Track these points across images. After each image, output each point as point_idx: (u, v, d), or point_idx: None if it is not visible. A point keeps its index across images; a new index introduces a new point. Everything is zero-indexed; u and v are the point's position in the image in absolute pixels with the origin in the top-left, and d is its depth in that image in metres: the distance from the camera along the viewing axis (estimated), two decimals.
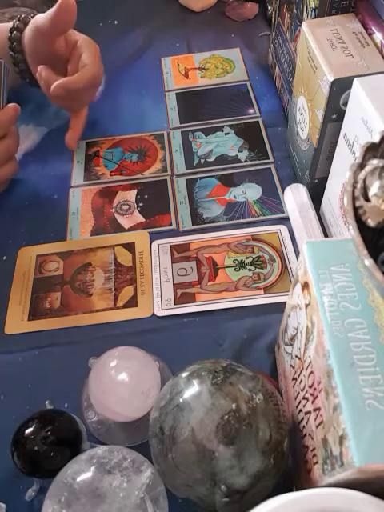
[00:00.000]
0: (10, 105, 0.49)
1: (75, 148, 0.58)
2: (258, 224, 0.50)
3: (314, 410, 0.27)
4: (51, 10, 0.50)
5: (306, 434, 0.29)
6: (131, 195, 0.54)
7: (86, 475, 0.29)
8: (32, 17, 0.54)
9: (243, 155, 0.56)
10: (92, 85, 0.54)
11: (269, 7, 0.71)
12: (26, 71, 0.56)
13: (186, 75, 0.67)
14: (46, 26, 0.51)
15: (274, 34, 0.61)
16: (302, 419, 0.30)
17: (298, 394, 0.31)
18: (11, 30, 0.54)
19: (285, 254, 0.47)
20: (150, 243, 0.49)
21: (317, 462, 0.27)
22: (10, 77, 0.51)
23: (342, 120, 0.39)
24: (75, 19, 0.51)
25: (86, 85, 0.52)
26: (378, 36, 0.41)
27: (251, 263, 0.47)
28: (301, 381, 0.30)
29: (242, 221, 0.50)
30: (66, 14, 0.50)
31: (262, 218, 0.50)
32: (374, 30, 0.41)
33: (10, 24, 0.55)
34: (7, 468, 0.35)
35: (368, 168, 0.22)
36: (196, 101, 0.63)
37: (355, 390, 0.23)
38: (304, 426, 0.30)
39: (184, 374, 0.31)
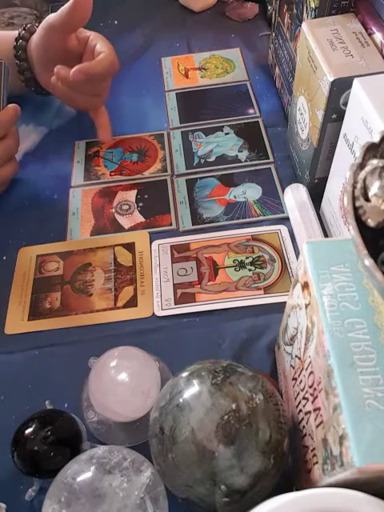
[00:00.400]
0: (10, 105, 0.49)
1: (109, 141, 0.58)
2: (257, 224, 0.50)
3: (314, 410, 0.27)
4: (66, 6, 0.50)
5: (305, 434, 0.29)
6: (131, 195, 0.54)
7: (86, 475, 0.29)
8: (37, 26, 0.55)
9: (243, 155, 0.56)
10: (109, 72, 0.53)
11: (269, 7, 0.71)
12: (31, 80, 0.57)
13: (186, 75, 0.67)
14: (59, 22, 0.51)
15: (273, 34, 0.61)
16: (302, 419, 0.30)
17: (298, 394, 0.31)
18: (17, 39, 0.55)
19: (285, 254, 0.47)
20: (150, 243, 0.49)
21: (317, 462, 0.27)
22: (15, 86, 0.51)
23: (342, 120, 0.39)
24: (90, 14, 0.51)
25: (104, 70, 0.52)
26: (377, 36, 0.41)
27: (251, 263, 0.47)
28: (301, 381, 0.30)
29: (242, 221, 0.50)
30: (81, 9, 0.50)
31: (262, 218, 0.50)
32: (374, 29, 0.41)
33: (15, 33, 0.56)
34: (7, 468, 0.35)
35: (368, 168, 0.22)
36: (196, 101, 0.63)
37: (355, 390, 0.23)
38: (304, 426, 0.30)
39: (184, 374, 0.31)
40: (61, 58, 0.53)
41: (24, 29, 0.55)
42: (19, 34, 0.55)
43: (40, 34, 0.53)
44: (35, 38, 0.54)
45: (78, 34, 0.54)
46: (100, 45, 0.53)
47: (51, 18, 0.52)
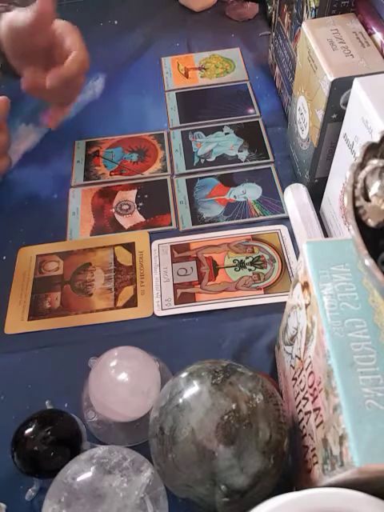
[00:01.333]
0: (0, 98, 0.49)
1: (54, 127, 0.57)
2: (257, 224, 0.50)
3: (314, 409, 0.27)
4: (29, 14, 0.49)
5: (305, 434, 0.29)
6: (131, 195, 0.54)
7: (86, 475, 0.29)
8: (6, 6, 0.52)
9: (243, 155, 0.56)
10: (82, 70, 0.53)
11: (269, 7, 0.71)
12: (6, 65, 0.55)
13: (186, 75, 0.67)
14: (22, 29, 0.50)
15: (273, 34, 0.61)
16: (302, 419, 0.30)
17: (298, 394, 0.31)
18: None
19: (285, 254, 0.47)
20: (150, 243, 0.49)
21: (317, 462, 0.27)
22: None
23: (342, 120, 0.39)
24: (54, 20, 0.50)
25: (78, 70, 0.51)
26: (378, 36, 0.41)
27: (251, 263, 0.47)
28: (301, 381, 0.30)
29: (241, 221, 0.50)
30: (44, 20, 0.49)
31: (262, 217, 0.50)
32: (374, 29, 0.41)
33: None
34: (7, 468, 0.35)
35: (368, 168, 0.22)
36: (196, 101, 0.63)
37: (355, 390, 0.23)
38: (304, 426, 0.30)
39: (184, 374, 0.31)
40: (29, 51, 0.52)
41: None
42: None
43: (5, 31, 0.52)
44: (2, 30, 0.52)
45: None
46: (69, 40, 0.52)
47: (15, 21, 0.50)
